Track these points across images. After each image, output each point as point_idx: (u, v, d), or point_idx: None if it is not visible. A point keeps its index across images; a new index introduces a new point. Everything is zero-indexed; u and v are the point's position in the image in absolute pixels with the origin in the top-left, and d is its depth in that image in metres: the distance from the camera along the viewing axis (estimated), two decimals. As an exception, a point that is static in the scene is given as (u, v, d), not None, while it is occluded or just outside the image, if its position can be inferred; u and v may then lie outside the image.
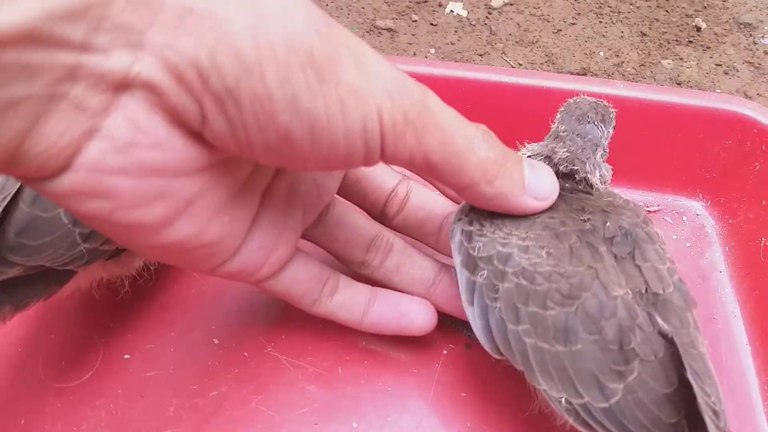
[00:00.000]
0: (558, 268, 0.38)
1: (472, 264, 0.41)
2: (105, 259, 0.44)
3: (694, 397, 0.35)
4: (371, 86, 0.30)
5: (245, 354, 0.50)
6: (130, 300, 0.51)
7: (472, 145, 0.36)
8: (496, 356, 0.40)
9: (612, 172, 0.47)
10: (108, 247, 0.43)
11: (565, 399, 0.37)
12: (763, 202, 0.57)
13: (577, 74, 0.78)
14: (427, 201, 0.48)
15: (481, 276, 0.40)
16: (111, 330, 0.50)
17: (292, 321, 0.51)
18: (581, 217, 0.42)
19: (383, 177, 0.47)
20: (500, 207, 0.40)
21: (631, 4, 0.91)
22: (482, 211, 0.42)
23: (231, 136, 0.29)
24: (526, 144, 0.49)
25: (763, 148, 0.57)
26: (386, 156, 0.33)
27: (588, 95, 0.58)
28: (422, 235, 0.48)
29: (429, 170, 0.36)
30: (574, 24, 0.87)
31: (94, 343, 0.50)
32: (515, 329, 0.38)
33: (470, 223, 0.43)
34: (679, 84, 0.79)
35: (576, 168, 0.44)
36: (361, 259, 0.46)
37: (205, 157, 0.31)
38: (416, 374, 0.48)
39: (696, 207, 0.62)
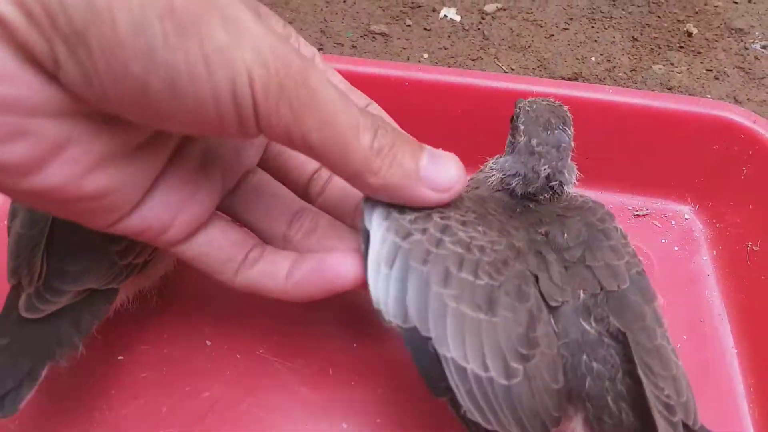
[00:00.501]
0: (493, 245, 0.39)
1: (403, 231, 0.38)
2: (137, 274, 0.45)
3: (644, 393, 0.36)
4: (241, 47, 0.29)
5: (237, 356, 0.50)
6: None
7: (357, 131, 0.34)
8: (394, 322, 0.37)
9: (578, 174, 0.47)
10: (139, 260, 0.44)
11: (471, 369, 0.36)
12: (750, 207, 0.57)
13: (569, 79, 0.79)
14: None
15: (412, 241, 0.38)
16: (105, 331, 0.51)
17: (284, 324, 0.52)
18: (539, 230, 0.42)
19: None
20: (393, 198, 0.38)
21: (623, 10, 0.92)
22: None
23: (85, 84, 0.28)
24: (489, 159, 0.49)
25: (751, 153, 0.57)
26: (261, 127, 0.32)
27: (577, 100, 0.59)
28: (339, 216, 0.44)
29: (310, 153, 0.34)
30: (566, 29, 0.88)
31: (87, 344, 0.50)
32: (440, 291, 0.37)
33: None
34: (669, 89, 0.80)
35: (555, 183, 0.44)
36: (282, 232, 0.42)
37: (69, 103, 0.29)
38: (407, 376, 0.48)
39: (684, 211, 0.62)
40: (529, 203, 0.45)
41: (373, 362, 0.50)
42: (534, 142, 0.44)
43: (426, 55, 0.82)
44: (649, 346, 0.38)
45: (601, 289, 0.40)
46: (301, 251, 0.41)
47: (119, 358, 0.50)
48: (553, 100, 0.47)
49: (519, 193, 0.45)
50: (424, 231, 0.38)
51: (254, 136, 0.33)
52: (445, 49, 0.83)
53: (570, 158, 0.46)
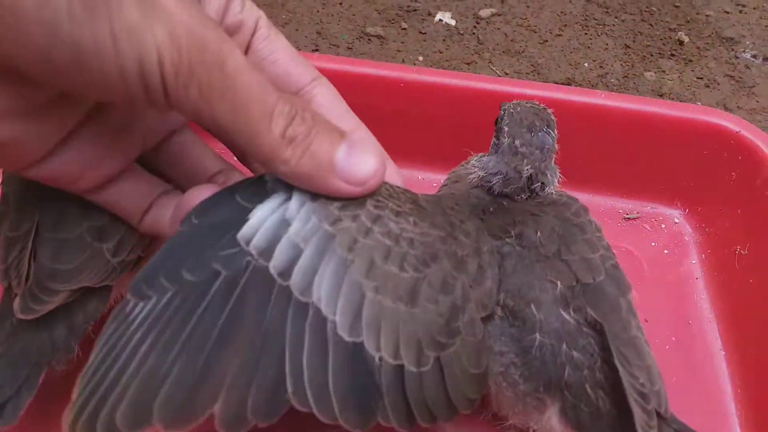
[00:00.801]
0: (422, 237, 0.39)
1: (331, 217, 0.37)
2: (129, 271, 0.45)
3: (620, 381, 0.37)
4: (152, 26, 0.29)
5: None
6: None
7: (270, 119, 0.34)
8: (293, 289, 0.36)
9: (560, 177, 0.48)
10: (132, 256, 0.44)
11: (380, 357, 0.36)
12: (739, 211, 0.58)
13: (562, 84, 0.80)
14: None
15: (339, 228, 0.37)
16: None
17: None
18: (510, 231, 0.43)
19: (203, 158, 0.45)
20: (306, 186, 0.37)
21: (616, 17, 0.93)
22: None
23: None
24: (473, 155, 0.50)
25: (740, 158, 0.58)
26: (171, 105, 0.32)
27: (570, 104, 0.60)
28: None
29: (221, 136, 0.34)
30: (560, 35, 0.89)
31: (83, 346, 0.50)
32: (361, 281, 0.37)
33: None
34: (661, 96, 0.81)
35: (537, 184, 0.45)
36: None
37: None
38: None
39: (674, 215, 0.63)
40: (503, 201, 0.45)
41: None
42: (518, 143, 0.45)
43: (421, 58, 0.82)
44: (625, 337, 0.39)
45: (577, 281, 0.41)
46: None
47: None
48: (537, 102, 0.48)
49: (496, 192, 0.45)
50: (354, 218, 0.38)
51: (165, 111, 0.33)
52: (440, 52, 0.84)
53: (553, 161, 0.47)
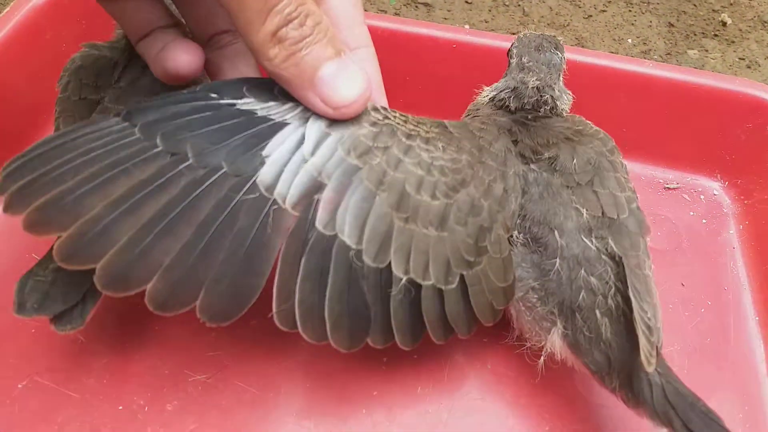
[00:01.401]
0: (452, 164, 0.41)
1: (360, 147, 0.38)
2: None
3: (631, 311, 0.40)
4: None
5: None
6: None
7: (266, 15, 0.34)
8: (317, 225, 0.37)
9: (573, 99, 0.50)
10: None
11: (408, 279, 0.38)
12: (778, 185, 0.60)
13: (606, 58, 0.81)
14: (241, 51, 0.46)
15: (369, 162, 0.38)
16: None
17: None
18: (545, 153, 0.45)
19: (214, 13, 0.45)
20: (286, 88, 0.37)
21: (660, -4, 0.94)
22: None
23: None
24: (484, 87, 0.52)
25: (782, 133, 0.60)
26: None
27: (618, 72, 0.61)
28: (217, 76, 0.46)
29: (225, 5, 0.35)
30: (604, 11, 0.89)
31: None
32: (389, 213, 0.38)
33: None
34: (703, 74, 0.82)
35: (546, 96, 0.48)
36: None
37: None
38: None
39: (714, 187, 0.65)
40: (532, 120, 0.47)
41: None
42: (525, 59, 0.48)
43: (467, 26, 0.84)
44: (639, 273, 0.42)
45: (603, 214, 0.43)
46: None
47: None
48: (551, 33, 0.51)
49: (512, 107, 0.48)
50: (385, 150, 0.38)
51: None
52: (486, 22, 0.85)
53: (562, 81, 0.49)
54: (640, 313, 0.40)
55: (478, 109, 0.51)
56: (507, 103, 0.48)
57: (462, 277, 0.40)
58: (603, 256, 0.42)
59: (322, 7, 0.41)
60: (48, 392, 0.46)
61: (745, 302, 0.56)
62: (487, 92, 0.50)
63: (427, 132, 0.41)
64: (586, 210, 0.43)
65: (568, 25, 0.86)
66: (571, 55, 0.62)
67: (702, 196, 0.64)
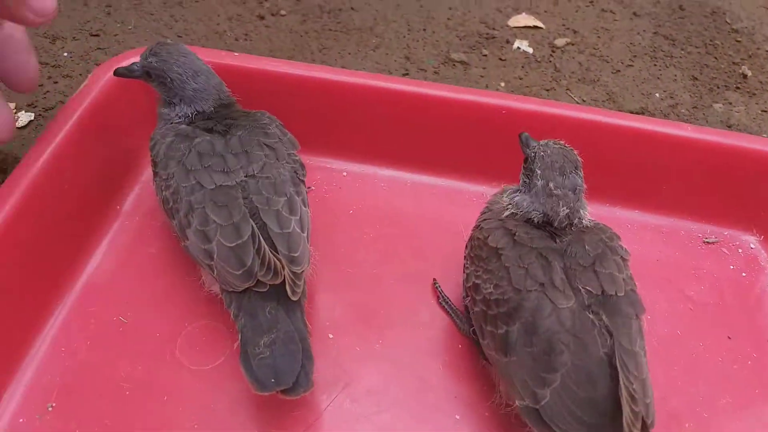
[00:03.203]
0: (504, 295, 0.49)
1: (464, 292, 0.55)
2: None
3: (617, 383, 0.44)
4: None
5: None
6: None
7: None
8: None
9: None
10: None
11: (516, 400, 0.47)
12: (811, 239, 0.63)
13: (637, 113, 0.85)
14: None
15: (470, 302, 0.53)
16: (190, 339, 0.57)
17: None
18: (557, 241, 0.51)
19: None
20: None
21: (682, 50, 0.98)
22: (469, 255, 0.55)
23: None
24: (505, 188, 0.57)
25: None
26: None
27: (661, 136, 0.66)
28: None
29: None
30: (631, 66, 0.94)
31: (222, 332, 0.57)
32: (482, 342, 0.51)
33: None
34: (729, 126, 0.86)
35: (574, 220, 0.52)
36: None
37: None
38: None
39: (750, 240, 0.68)
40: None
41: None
42: (551, 185, 0.52)
43: (503, 84, 0.88)
44: (629, 349, 0.46)
45: (602, 292, 0.48)
46: None
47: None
48: (564, 143, 0.54)
49: (536, 222, 0.53)
50: (471, 288, 0.54)
51: None
52: (520, 78, 0.89)
53: (582, 198, 0.53)
54: (626, 383, 0.44)
55: (491, 210, 0.57)
56: (533, 219, 0.53)
57: (553, 391, 0.47)
58: (596, 322, 0.47)
59: None
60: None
61: (788, 353, 0.60)
62: (509, 207, 0.55)
63: (485, 273, 0.52)
64: (588, 288, 0.48)
65: (598, 81, 0.90)
66: (614, 120, 0.66)
67: (740, 250, 0.68)
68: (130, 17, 0.93)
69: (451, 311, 0.59)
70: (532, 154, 0.54)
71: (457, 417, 0.53)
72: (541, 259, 0.49)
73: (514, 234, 0.51)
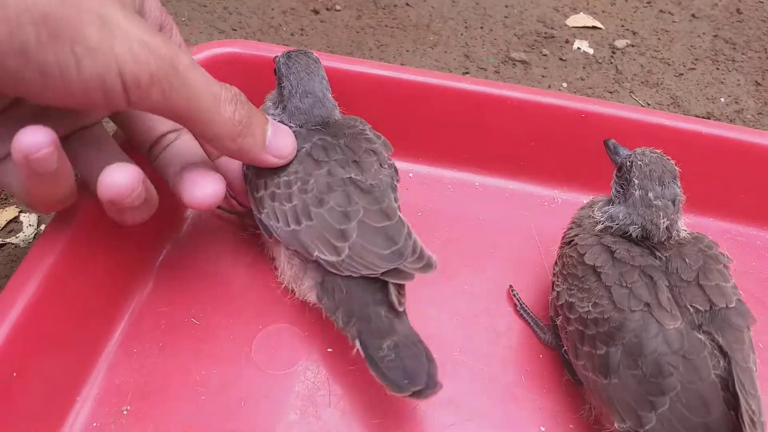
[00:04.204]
0: (604, 314, 0.46)
1: (553, 311, 0.53)
2: None
3: (738, 407, 0.42)
4: (112, 46, 0.35)
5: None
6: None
7: (218, 105, 0.42)
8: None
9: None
10: None
11: (616, 422, 0.45)
12: None
13: (702, 118, 0.83)
14: (183, 148, 0.51)
15: (563, 321, 0.51)
16: (313, 324, 0.55)
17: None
18: (657, 255, 0.49)
19: (156, 120, 0.50)
20: (245, 160, 0.50)
21: (743, 54, 0.96)
22: (560, 273, 0.53)
23: None
24: (594, 200, 0.55)
25: None
26: (132, 106, 0.38)
27: (737, 144, 0.63)
28: (166, 175, 0.50)
29: (178, 120, 0.42)
30: (693, 69, 0.92)
31: (298, 335, 0.55)
32: (575, 362, 0.49)
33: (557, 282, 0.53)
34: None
35: (673, 233, 0.50)
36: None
37: None
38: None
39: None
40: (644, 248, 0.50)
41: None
42: (651, 196, 0.49)
43: (565, 85, 0.86)
44: (744, 366, 0.44)
45: (710, 307, 0.46)
46: None
47: (328, 350, 0.54)
48: (660, 152, 0.51)
49: (634, 237, 0.50)
50: (561, 307, 0.52)
51: (122, 110, 0.43)
52: (582, 79, 0.87)
53: (681, 210, 0.51)
54: (746, 405, 0.42)
55: (580, 225, 0.54)
56: (630, 234, 0.50)
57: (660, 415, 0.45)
58: (708, 343, 0.44)
59: None
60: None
61: None
62: (603, 220, 0.52)
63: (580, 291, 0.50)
64: (696, 305, 0.46)
65: (661, 84, 0.88)
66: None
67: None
68: (183, 9, 0.92)
69: (530, 320, 0.57)
70: (628, 163, 0.51)
71: (543, 429, 0.51)
72: (645, 278, 0.47)
73: (613, 251, 0.49)
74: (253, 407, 0.51)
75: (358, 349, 0.48)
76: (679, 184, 0.50)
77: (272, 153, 0.48)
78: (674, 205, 0.50)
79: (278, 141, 0.48)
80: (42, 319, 0.46)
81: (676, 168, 0.51)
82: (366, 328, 0.47)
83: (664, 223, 0.49)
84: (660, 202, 0.49)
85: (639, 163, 0.50)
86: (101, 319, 0.53)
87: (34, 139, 0.37)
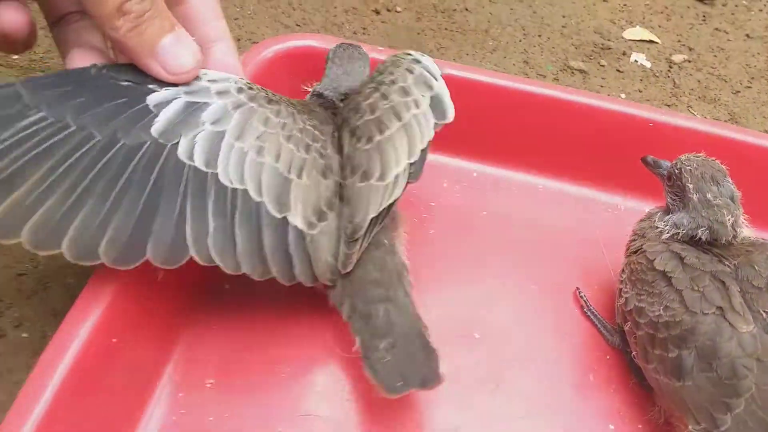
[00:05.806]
0: (676, 317, 0.47)
1: (620, 317, 0.54)
2: None
3: None
4: None
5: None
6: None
7: None
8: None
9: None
10: None
11: (690, 425, 0.46)
12: None
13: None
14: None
15: (632, 326, 0.51)
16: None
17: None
18: (726, 263, 0.49)
19: None
20: (129, 58, 0.44)
21: (797, 76, 0.96)
22: (628, 279, 0.53)
23: None
24: (650, 212, 0.56)
25: None
26: None
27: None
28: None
29: None
30: (749, 87, 0.92)
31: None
32: (646, 366, 0.50)
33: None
34: None
35: (738, 230, 0.51)
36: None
37: None
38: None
39: None
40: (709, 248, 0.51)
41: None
42: (709, 196, 0.50)
43: (623, 95, 0.87)
44: None
45: None
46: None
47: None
48: (704, 155, 0.53)
49: (703, 241, 0.51)
50: (630, 312, 0.53)
51: None
52: (639, 91, 0.88)
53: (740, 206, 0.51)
54: None
55: (644, 236, 0.55)
56: (698, 237, 0.51)
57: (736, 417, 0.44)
58: None
59: (183, 5, 0.49)
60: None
61: None
62: (667, 229, 0.53)
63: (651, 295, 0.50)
64: (764, 310, 0.47)
65: (718, 100, 0.89)
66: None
67: None
68: (249, 2, 0.93)
69: (598, 322, 0.58)
70: (677, 171, 0.52)
71: (612, 427, 0.52)
72: (716, 282, 0.48)
73: (683, 257, 0.50)
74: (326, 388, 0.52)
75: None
76: (731, 181, 0.51)
77: (162, 63, 0.43)
78: (734, 202, 0.51)
79: (175, 52, 0.43)
80: (137, 295, 0.47)
81: (723, 167, 0.52)
82: (364, 326, 0.48)
83: (729, 220, 0.50)
84: (720, 201, 0.50)
85: (688, 167, 0.52)
86: (185, 293, 0.54)
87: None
